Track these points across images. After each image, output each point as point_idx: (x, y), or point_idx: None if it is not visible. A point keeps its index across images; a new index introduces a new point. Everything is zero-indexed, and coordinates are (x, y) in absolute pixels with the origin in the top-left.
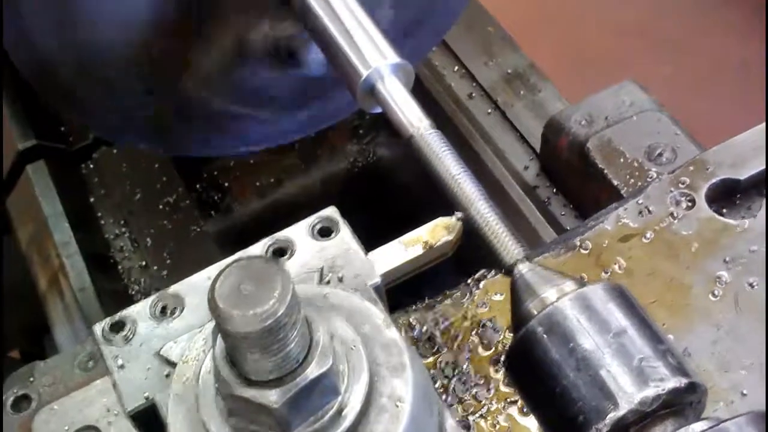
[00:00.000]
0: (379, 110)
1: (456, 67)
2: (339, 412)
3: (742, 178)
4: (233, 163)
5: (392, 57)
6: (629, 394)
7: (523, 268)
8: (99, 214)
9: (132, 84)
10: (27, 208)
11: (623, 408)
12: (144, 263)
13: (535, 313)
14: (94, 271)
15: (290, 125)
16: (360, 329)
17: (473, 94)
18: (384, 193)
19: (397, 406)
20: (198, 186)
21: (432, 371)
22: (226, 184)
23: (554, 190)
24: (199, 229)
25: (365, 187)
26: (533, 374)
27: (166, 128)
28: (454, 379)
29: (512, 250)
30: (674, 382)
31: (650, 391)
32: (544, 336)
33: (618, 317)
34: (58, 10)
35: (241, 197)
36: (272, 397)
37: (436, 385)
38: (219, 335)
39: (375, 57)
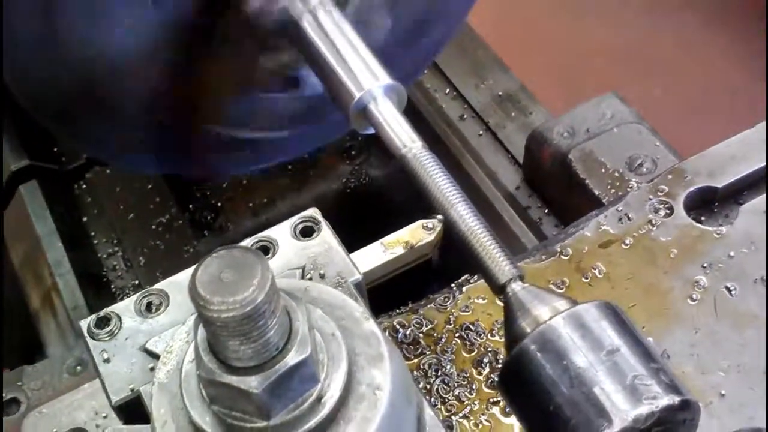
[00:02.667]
0: (371, 131)
1: (447, 89)
2: (318, 399)
3: (719, 186)
4: (226, 184)
5: (384, 78)
6: (623, 411)
7: (516, 286)
8: (92, 234)
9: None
10: (20, 228)
11: (617, 425)
12: (137, 282)
13: (529, 331)
14: (86, 290)
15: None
16: (339, 321)
17: (464, 116)
18: (376, 213)
19: (376, 394)
20: (191, 206)
21: (416, 373)
22: (219, 204)
23: (546, 211)
24: (192, 249)
25: (358, 207)
26: (526, 392)
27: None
28: (438, 380)
29: (505, 269)
30: (668, 400)
31: (644, 409)
32: (538, 354)
33: (611, 335)
34: (53, 40)
35: (234, 217)
36: (253, 382)
37: (420, 386)
38: (201, 323)
39: (367, 78)
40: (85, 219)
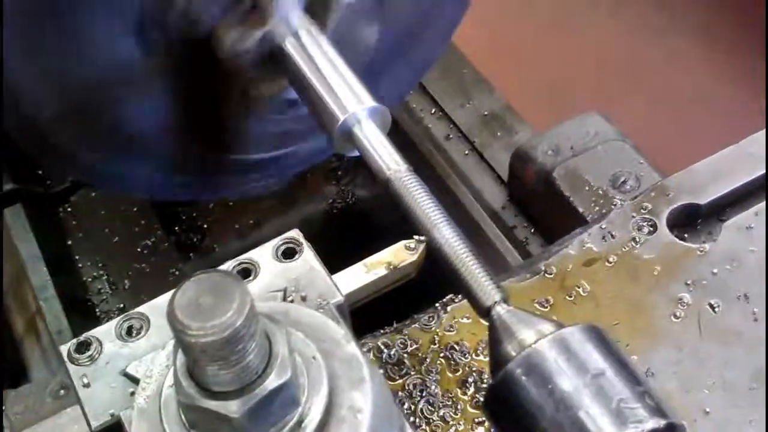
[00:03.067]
0: (356, 154)
1: (433, 110)
2: (299, 423)
3: (702, 203)
4: (212, 206)
5: (369, 101)
6: None
7: (501, 309)
8: (77, 257)
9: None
10: (4, 252)
11: None
12: (122, 306)
13: (514, 354)
14: (71, 315)
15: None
16: (320, 344)
17: (450, 136)
18: (363, 233)
19: (357, 417)
20: (177, 228)
21: (400, 393)
22: (205, 226)
23: (532, 231)
24: (177, 272)
25: (344, 228)
26: (512, 416)
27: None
28: (422, 400)
29: (490, 292)
30: (653, 423)
31: None
32: (523, 378)
33: (596, 359)
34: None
35: (220, 239)
36: (232, 407)
37: (404, 407)
38: (180, 348)
39: (352, 102)
40: (69, 242)
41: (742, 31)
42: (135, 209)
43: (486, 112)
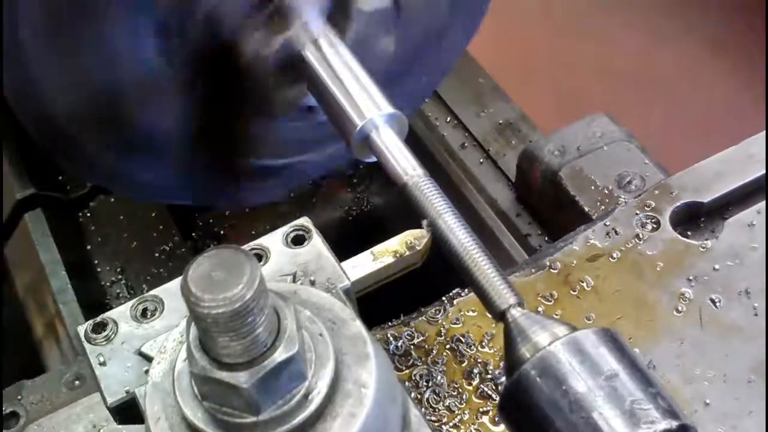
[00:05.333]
0: (373, 159)
1: (448, 118)
2: (306, 395)
3: (705, 201)
4: (228, 212)
5: (386, 107)
6: None
7: (515, 313)
8: (95, 262)
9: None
10: (24, 256)
11: None
12: None
13: (528, 356)
14: (90, 319)
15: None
16: (327, 322)
17: (466, 144)
18: (378, 240)
19: (361, 392)
20: (194, 234)
21: (407, 384)
22: (222, 232)
23: (546, 239)
24: None
25: (360, 235)
26: (526, 417)
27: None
28: (428, 390)
29: (505, 296)
30: (665, 424)
31: None
32: (538, 379)
33: (609, 361)
34: (71, 66)
35: (237, 245)
36: (242, 378)
37: (411, 397)
38: (192, 322)
39: (369, 108)
40: (89, 247)
41: (753, 37)
42: (153, 215)
43: (501, 121)
